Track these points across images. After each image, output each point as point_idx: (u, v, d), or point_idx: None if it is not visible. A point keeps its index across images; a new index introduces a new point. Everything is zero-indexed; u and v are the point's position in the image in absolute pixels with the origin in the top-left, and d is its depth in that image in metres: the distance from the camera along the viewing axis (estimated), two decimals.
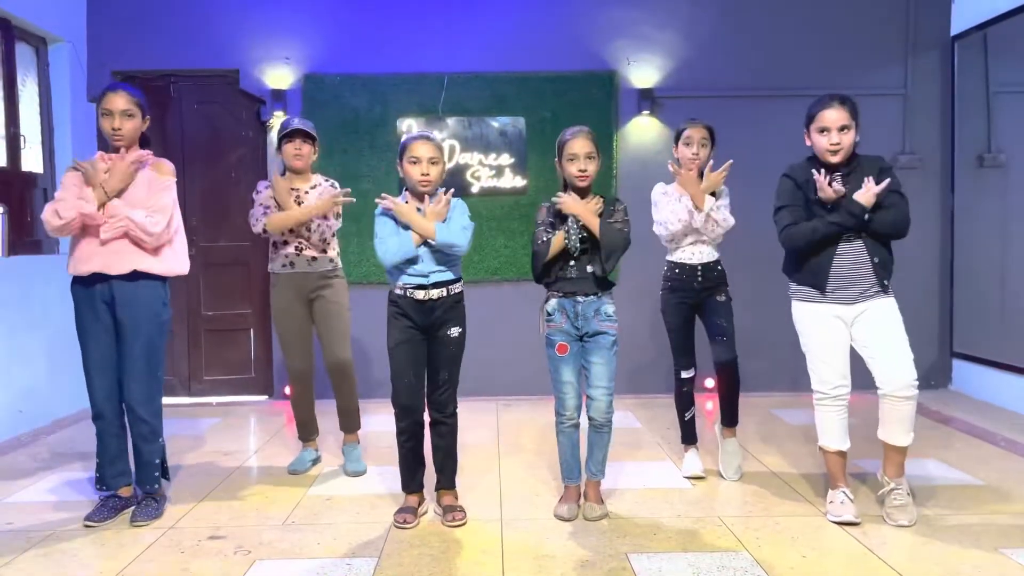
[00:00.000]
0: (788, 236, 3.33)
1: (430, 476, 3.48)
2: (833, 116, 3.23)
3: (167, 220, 3.34)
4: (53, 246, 5.31)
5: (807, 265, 3.33)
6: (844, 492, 3.33)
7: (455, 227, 3.26)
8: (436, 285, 3.26)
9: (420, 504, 3.45)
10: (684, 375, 3.88)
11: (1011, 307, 5.29)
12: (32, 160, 5.27)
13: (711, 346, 3.83)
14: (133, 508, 3.43)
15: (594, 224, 3.25)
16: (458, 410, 3.42)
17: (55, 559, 3.02)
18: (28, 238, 5.11)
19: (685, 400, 3.93)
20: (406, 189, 3.38)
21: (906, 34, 5.84)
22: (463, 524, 3.29)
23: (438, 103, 5.76)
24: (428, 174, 3.26)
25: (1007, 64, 5.35)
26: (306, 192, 3.97)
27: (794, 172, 3.38)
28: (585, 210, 3.26)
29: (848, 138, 3.23)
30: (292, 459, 4.20)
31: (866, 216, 3.17)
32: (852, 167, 3.29)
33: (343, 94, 5.70)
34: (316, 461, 4.21)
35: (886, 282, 3.27)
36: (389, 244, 3.24)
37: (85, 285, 3.33)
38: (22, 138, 5.14)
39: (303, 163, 3.96)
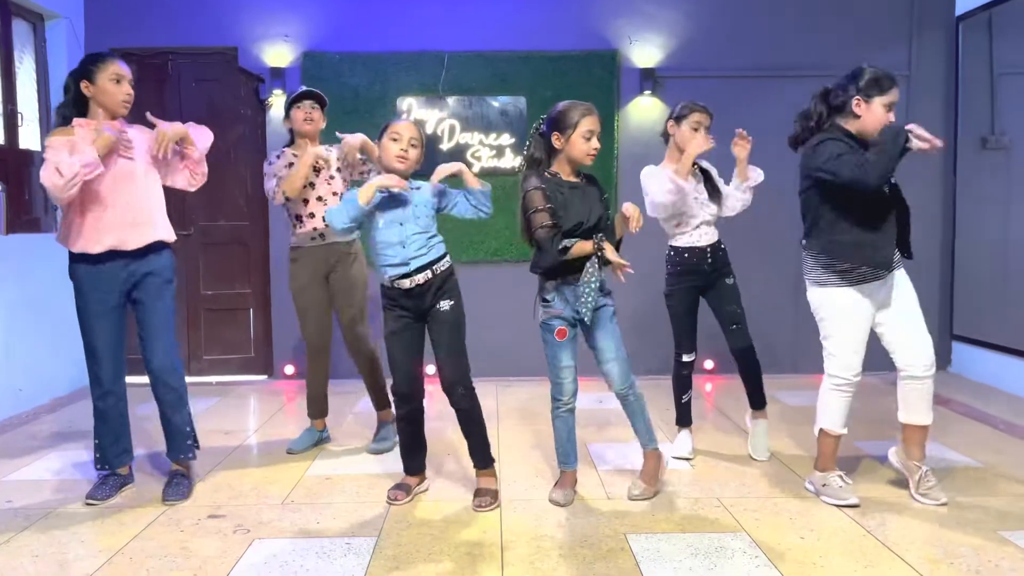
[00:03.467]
0: (863, 170, 2.96)
1: (434, 457, 3.47)
2: (896, 94, 3.18)
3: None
4: (52, 224, 5.29)
5: (863, 241, 3.13)
6: (840, 476, 3.33)
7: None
8: (419, 270, 3.19)
9: (419, 484, 3.46)
10: (686, 358, 3.87)
11: (1012, 289, 5.27)
12: (29, 138, 5.23)
13: (726, 335, 3.83)
14: (164, 486, 3.43)
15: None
16: (474, 388, 3.31)
17: (55, 537, 3.03)
18: (26, 216, 5.09)
19: (684, 383, 3.92)
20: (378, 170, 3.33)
21: (910, 14, 5.79)
22: (491, 509, 3.25)
23: (438, 82, 5.72)
24: (406, 151, 3.21)
25: (1012, 45, 5.31)
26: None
27: (840, 138, 3.15)
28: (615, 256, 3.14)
29: None
30: (293, 438, 4.20)
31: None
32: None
33: (342, 72, 5.65)
34: (323, 441, 4.20)
35: (908, 239, 3.24)
36: (334, 207, 3.19)
37: (93, 263, 3.25)
38: (19, 115, 5.11)
39: (313, 127, 3.95)
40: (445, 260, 3.28)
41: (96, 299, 3.29)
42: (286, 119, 4.00)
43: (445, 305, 3.24)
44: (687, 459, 3.88)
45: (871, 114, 3.14)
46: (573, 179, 3.25)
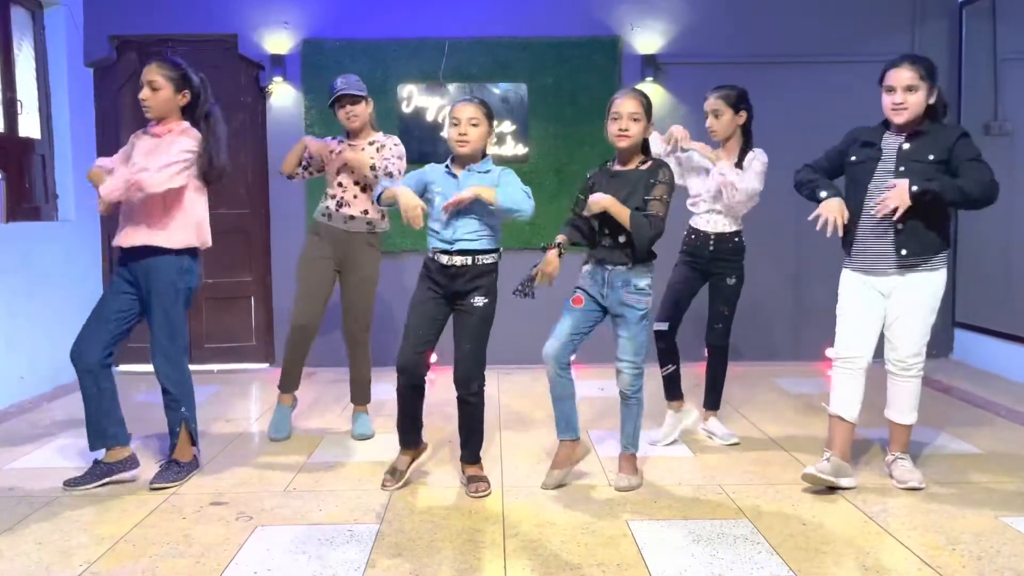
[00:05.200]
0: (795, 177, 3.44)
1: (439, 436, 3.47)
2: (899, 74, 3.14)
3: (168, 170, 3.33)
4: (51, 213, 5.28)
5: (857, 239, 3.32)
6: (827, 457, 3.30)
7: (515, 190, 3.15)
8: (461, 252, 3.20)
9: (413, 460, 3.47)
10: (656, 327, 3.85)
11: (1014, 277, 5.27)
12: (29, 126, 5.21)
13: (707, 328, 3.89)
14: (156, 471, 3.47)
15: (623, 216, 3.18)
16: (484, 387, 3.37)
17: (58, 524, 3.03)
18: (27, 204, 5.08)
19: (661, 357, 3.90)
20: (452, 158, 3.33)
21: (914, 1, 5.75)
22: (487, 495, 3.28)
23: (439, 69, 5.69)
24: (466, 134, 3.20)
25: (1015, 31, 5.28)
26: (362, 149, 3.99)
27: (853, 132, 3.39)
28: (610, 204, 3.19)
29: (915, 99, 3.14)
30: (271, 426, 4.16)
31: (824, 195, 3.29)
32: (922, 131, 3.19)
33: (343, 60, 5.62)
34: (292, 407, 4.22)
35: (904, 252, 3.20)
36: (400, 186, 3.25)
37: (121, 255, 3.46)
38: (19, 103, 5.09)
39: (359, 123, 4.00)
40: (491, 255, 3.25)
41: (113, 280, 3.48)
42: (336, 116, 4.06)
43: (478, 300, 3.25)
44: (663, 443, 3.89)
45: (883, 103, 3.26)
46: (623, 167, 3.32)
